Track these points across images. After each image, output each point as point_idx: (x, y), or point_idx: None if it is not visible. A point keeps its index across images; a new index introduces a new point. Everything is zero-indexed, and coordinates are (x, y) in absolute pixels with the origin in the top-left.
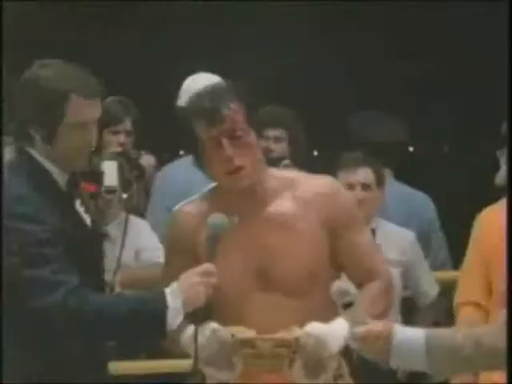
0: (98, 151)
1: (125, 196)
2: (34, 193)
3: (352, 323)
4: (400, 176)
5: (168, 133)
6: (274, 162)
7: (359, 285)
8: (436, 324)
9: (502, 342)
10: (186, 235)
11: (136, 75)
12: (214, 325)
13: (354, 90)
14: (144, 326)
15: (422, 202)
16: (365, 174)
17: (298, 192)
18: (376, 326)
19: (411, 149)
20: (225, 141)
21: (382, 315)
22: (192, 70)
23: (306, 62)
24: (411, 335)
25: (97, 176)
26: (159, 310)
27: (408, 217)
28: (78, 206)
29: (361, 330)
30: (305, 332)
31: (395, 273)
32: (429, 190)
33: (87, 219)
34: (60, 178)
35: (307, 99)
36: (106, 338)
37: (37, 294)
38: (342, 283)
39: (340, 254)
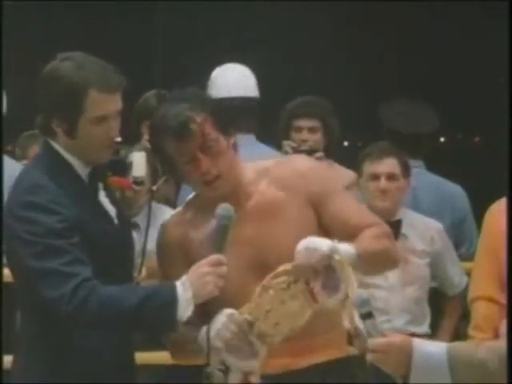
0: (136, 143)
1: (154, 188)
2: (52, 184)
3: (371, 333)
4: (432, 166)
5: None
6: (306, 154)
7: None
8: (465, 314)
9: None
10: (175, 246)
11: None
12: (227, 310)
13: (386, 79)
14: (153, 318)
15: (454, 192)
16: (390, 164)
17: (274, 176)
18: (396, 337)
19: (442, 139)
20: (199, 155)
21: (382, 261)
22: (216, 62)
23: (336, 51)
24: (433, 350)
25: (125, 167)
26: (169, 302)
27: (440, 207)
28: (103, 198)
29: (381, 341)
30: (295, 252)
31: (423, 263)
32: (460, 180)
33: (112, 211)
34: (82, 170)
35: (337, 89)
36: (115, 329)
37: (47, 286)
38: (364, 292)
39: (328, 222)
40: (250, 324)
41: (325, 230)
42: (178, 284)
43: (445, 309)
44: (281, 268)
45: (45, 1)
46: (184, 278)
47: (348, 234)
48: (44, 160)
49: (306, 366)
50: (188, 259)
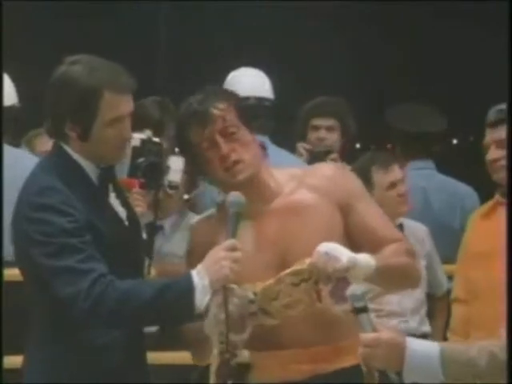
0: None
1: (186, 197)
2: (62, 185)
3: (363, 327)
4: (444, 168)
5: None
6: (321, 155)
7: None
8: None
9: None
10: (202, 247)
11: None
12: (231, 285)
13: (397, 82)
14: (172, 308)
15: (465, 193)
16: (399, 170)
17: (304, 180)
18: (386, 333)
19: (455, 141)
20: (219, 139)
21: (403, 277)
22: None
23: (347, 53)
24: (425, 348)
25: (162, 170)
26: (186, 291)
27: (451, 208)
28: (113, 199)
29: (370, 335)
30: (315, 252)
31: (423, 265)
32: (472, 182)
33: (123, 213)
34: (92, 172)
35: (347, 91)
36: (134, 323)
37: (63, 284)
38: (358, 287)
39: (353, 228)
40: (251, 301)
41: (349, 237)
42: (194, 273)
43: (435, 309)
44: (298, 265)
45: (45, 1)
46: (199, 266)
47: (373, 244)
48: (53, 162)
49: (332, 371)
50: None
